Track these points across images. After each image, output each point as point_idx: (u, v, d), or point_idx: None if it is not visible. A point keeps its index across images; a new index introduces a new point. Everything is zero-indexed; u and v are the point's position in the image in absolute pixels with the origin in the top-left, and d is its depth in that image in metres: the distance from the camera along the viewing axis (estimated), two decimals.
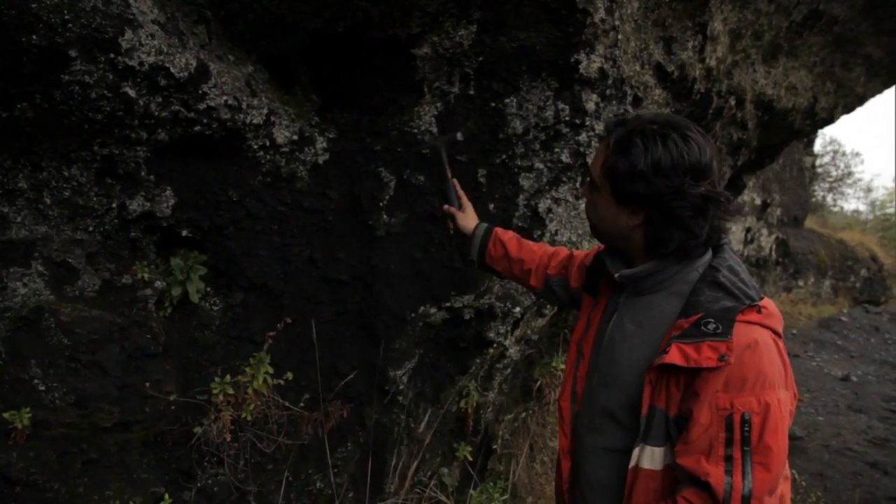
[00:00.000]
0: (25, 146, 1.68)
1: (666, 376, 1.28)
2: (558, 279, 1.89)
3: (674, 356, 1.23)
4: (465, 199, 2.11)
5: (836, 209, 24.52)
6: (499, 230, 2.05)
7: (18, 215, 1.79)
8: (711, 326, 1.23)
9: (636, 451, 1.33)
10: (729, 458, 1.19)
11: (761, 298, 1.31)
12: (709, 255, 1.37)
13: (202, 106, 1.82)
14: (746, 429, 1.18)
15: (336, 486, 2.45)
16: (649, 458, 1.32)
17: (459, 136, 2.13)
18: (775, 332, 1.28)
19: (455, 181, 2.14)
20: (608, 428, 1.43)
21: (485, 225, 2.06)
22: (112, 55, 1.55)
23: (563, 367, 3.35)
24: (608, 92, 2.54)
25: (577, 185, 2.68)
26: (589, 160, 2.55)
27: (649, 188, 1.27)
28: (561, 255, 1.94)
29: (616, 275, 1.42)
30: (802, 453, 5.45)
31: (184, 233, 2.07)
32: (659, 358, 1.26)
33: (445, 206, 2.10)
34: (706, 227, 1.30)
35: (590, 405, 1.50)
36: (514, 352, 2.95)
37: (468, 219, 2.10)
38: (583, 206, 2.67)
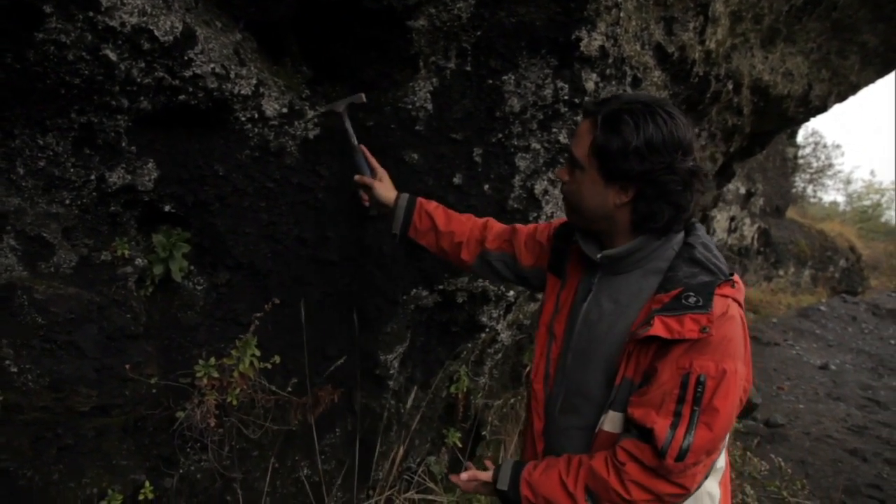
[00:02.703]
0: None
1: (639, 348, 1.34)
2: (499, 254, 1.83)
3: (658, 329, 1.28)
4: (378, 167, 1.98)
5: (815, 200, 24.84)
6: (422, 200, 1.93)
7: None
8: (692, 300, 1.29)
9: (602, 418, 1.40)
10: (678, 414, 1.27)
11: (732, 273, 1.38)
12: (682, 233, 1.42)
13: (188, 73, 1.72)
14: (699, 389, 1.25)
15: (323, 472, 2.39)
16: (611, 422, 1.39)
17: (363, 97, 1.98)
18: (741, 305, 1.35)
19: (363, 147, 1.98)
20: (583, 407, 1.47)
21: (406, 195, 1.94)
22: (91, 13, 1.44)
23: None
24: (608, 71, 2.47)
25: None
26: None
27: (643, 164, 1.29)
28: (497, 228, 1.87)
29: (598, 256, 1.44)
30: (784, 440, 5.50)
31: (166, 208, 1.97)
32: (644, 330, 1.30)
33: (357, 177, 1.95)
34: (692, 201, 1.36)
35: (563, 386, 1.52)
36: (505, 336, 2.90)
37: (386, 188, 1.96)
38: None
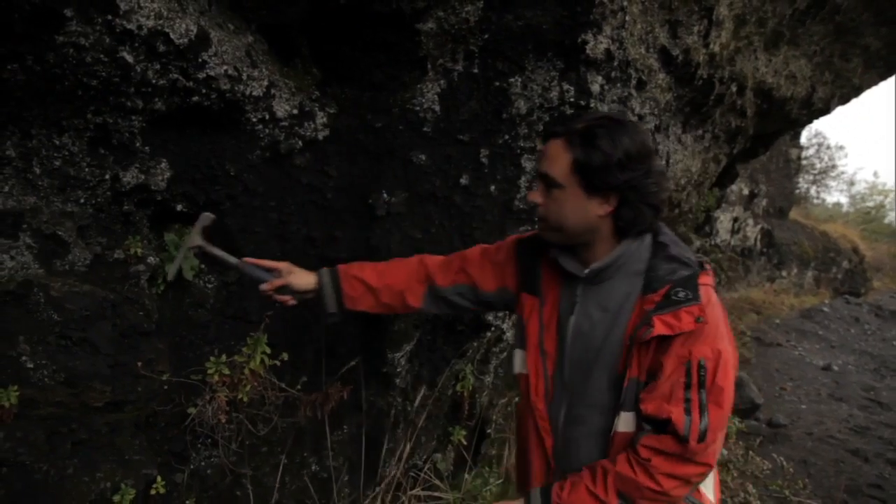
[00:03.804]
0: (15, 112, 1.60)
1: (640, 348, 1.41)
2: (454, 288, 1.79)
3: (660, 328, 1.36)
4: (276, 264, 1.81)
5: (818, 201, 24.81)
6: (343, 267, 1.84)
7: (6, 185, 1.71)
8: (682, 294, 1.38)
9: (616, 419, 1.46)
10: (688, 400, 1.35)
11: (701, 262, 1.48)
12: (649, 235, 1.49)
13: (202, 75, 1.75)
14: (702, 373, 1.35)
15: (332, 469, 2.42)
16: (625, 422, 1.45)
17: (210, 215, 1.85)
18: (714, 289, 1.46)
19: (248, 260, 1.80)
20: (589, 415, 1.52)
21: (325, 270, 1.83)
22: (109, 17, 1.47)
23: None
24: (613, 74, 2.50)
25: None
26: None
27: (625, 174, 1.37)
28: (437, 262, 1.83)
29: (586, 271, 1.49)
30: (787, 440, 5.52)
31: (179, 207, 2.00)
32: (647, 333, 1.37)
33: (263, 287, 1.76)
34: (665, 201, 1.47)
35: (566, 401, 1.56)
36: (511, 335, 2.92)
37: (300, 276, 1.80)
38: None
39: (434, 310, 1.85)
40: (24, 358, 1.69)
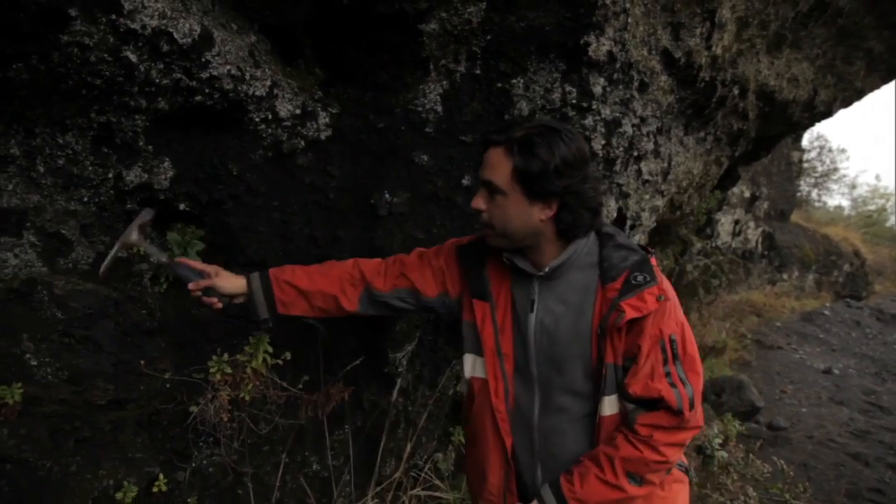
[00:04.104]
0: (19, 110, 1.61)
1: (613, 334, 1.50)
2: (394, 292, 1.79)
3: (631, 312, 1.45)
4: (206, 266, 1.77)
5: (820, 204, 24.80)
6: (274, 270, 1.80)
7: (10, 183, 1.72)
8: (640, 278, 1.48)
9: (599, 405, 1.55)
10: (668, 374, 1.47)
11: (643, 245, 1.61)
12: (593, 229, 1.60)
13: (205, 75, 1.75)
14: (674, 347, 1.48)
15: (332, 468, 2.42)
16: (609, 405, 1.54)
17: (151, 212, 1.81)
18: (659, 269, 1.57)
19: (179, 259, 1.78)
20: (571, 404, 1.59)
21: (256, 274, 1.79)
22: (114, 16, 1.47)
23: None
24: (615, 76, 2.50)
25: None
26: (595, 144, 2.51)
27: (563, 181, 1.44)
28: (373, 266, 1.82)
29: (546, 269, 1.55)
30: (787, 444, 5.52)
31: (181, 206, 2.00)
32: (619, 318, 1.46)
33: (191, 285, 1.72)
34: (603, 203, 1.60)
35: (538, 395, 1.62)
36: None
37: (229, 279, 1.76)
38: None
39: (372, 312, 1.84)
40: (27, 355, 1.70)
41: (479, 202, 1.54)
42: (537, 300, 1.58)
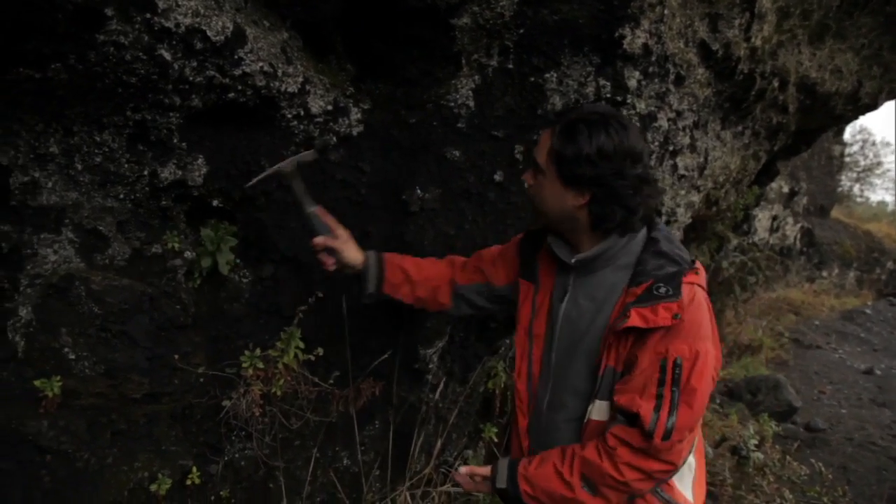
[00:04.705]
0: (57, 109, 1.64)
1: (618, 338, 1.45)
2: (473, 286, 1.90)
3: (634, 320, 1.39)
4: (339, 227, 1.88)
5: (862, 200, 24.08)
6: (389, 255, 1.94)
7: (49, 181, 1.75)
8: (662, 290, 1.41)
9: (589, 407, 1.52)
10: (660, 396, 1.38)
11: (694, 260, 1.52)
12: (644, 230, 1.55)
13: (238, 72, 1.76)
14: (677, 371, 1.37)
15: (363, 463, 2.43)
16: (598, 411, 1.50)
17: (314, 153, 1.86)
18: (704, 289, 1.48)
19: (320, 209, 1.84)
20: (570, 402, 1.58)
21: (373, 252, 1.93)
22: (148, 15, 1.49)
23: None
24: (651, 69, 2.45)
25: None
26: None
27: (594, 170, 1.41)
28: (461, 261, 1.94)
29: (572, 260, 1.55)
30: (825, 445, 5.37)
31: (215, 203, 2.02)
32: (622, 322, 1.41)
33: (318, 239, 1.83)
34: (643, 204, 1.47)
35: (550, 384, 1.63)
36: None
37: (352, 249, 1.89)
38: None
39: (457, 310, 1.94)
40: (66, 349, 1.74)
41: (528, 176, 1.59)
42: (570, 291, 1.59)
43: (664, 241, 1.52)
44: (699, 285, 1.47)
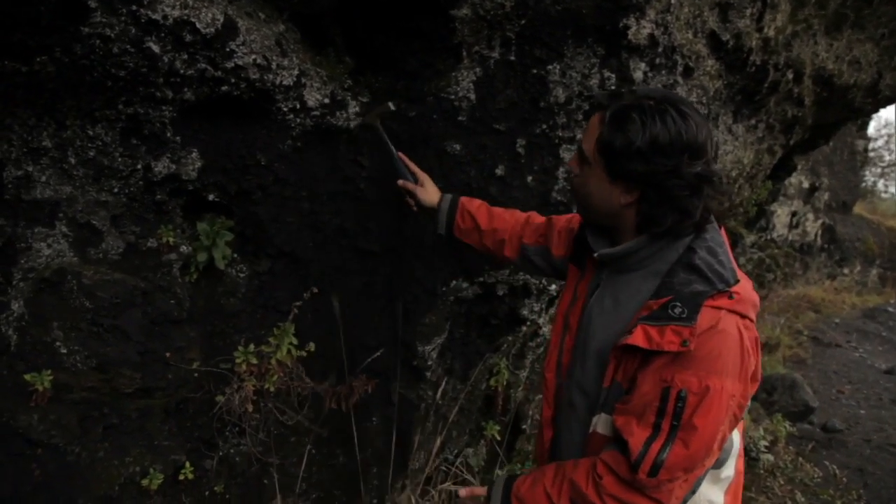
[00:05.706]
0: (49, 103, 1.63)
1: (626, 354, 1.31)
2: (536, 248, 1.85)
3: (637, 338, 1.25)
4: (419, 171, 2.06)
5: (887, 196, 23.60)
6: (465, 200, 1.99)
7: (43, 174, 1.75)
8: (678, 310, 1.24)
9: (594, 419, 1.40)
10: (657, 427, 1.23)
11: (737, 281, 1.29)
12: (691, 235, 1.35)
13: (230, 64, 1.74)
14: (680, 405, 1.20)
15: (360, 460, 2.41)
16: (603, 424, 1.38)
17: (391, 105, 2.03)
18: (744, 317, 1.26)
19: (401, 154, 2.07)
20: (580, 403, 1.47)
21: (449, 196, 2.01)
22: (134, 7, 1.47)
23: None
24: (658, 60, 2.39)
25: None
26: None
27: (646, 166, 1.25)
28: (536, 222, 1.89)
29: (595, 254, 1.43)
30: (842, 447, 5.27)
31: (210, 197, 2.01)
32: (624, 338, 1.29)
33: (400, 182, 2.03)
34: (700, 207, 1.29)
35: (571, 378, 1.52)
36: (547, 330, 2.86)
37: (429, 192, 2.03)
38: None
39: (521, 266, 1.95)
40: (57, 343, 1.74)
41: (574, 163, 1.44)
42: (600, 287, 1.47)
43: (704, 251, 1.32)
44: (734, 311, 1.25)
